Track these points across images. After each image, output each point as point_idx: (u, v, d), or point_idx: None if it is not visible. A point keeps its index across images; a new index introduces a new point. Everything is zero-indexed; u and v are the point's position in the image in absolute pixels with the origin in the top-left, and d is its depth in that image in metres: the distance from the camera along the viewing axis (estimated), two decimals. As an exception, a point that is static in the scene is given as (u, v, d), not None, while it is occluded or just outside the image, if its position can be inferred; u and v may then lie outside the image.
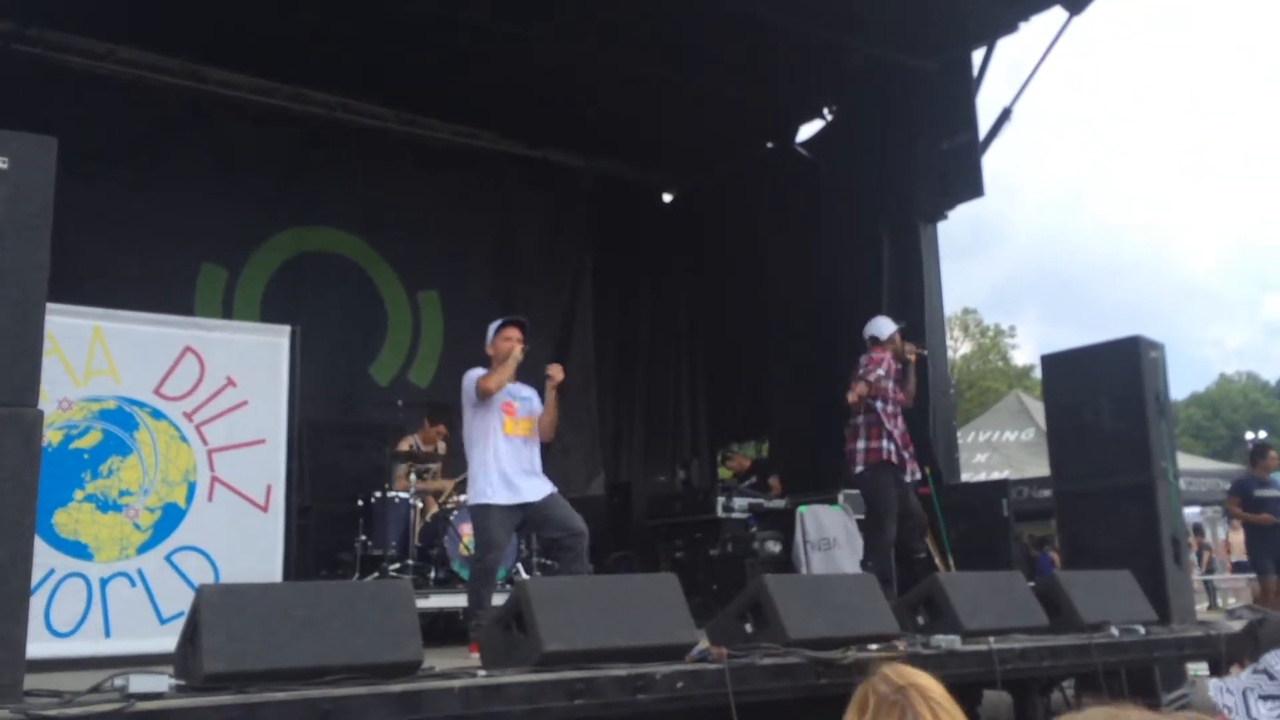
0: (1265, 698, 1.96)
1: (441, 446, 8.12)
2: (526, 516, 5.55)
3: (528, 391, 5.84)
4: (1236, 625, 5.58)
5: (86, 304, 5.31)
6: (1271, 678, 1.99)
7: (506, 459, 5.50)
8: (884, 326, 7.01)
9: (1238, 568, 15.40)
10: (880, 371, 6.68)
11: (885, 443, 6.66)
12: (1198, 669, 6.69)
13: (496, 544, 5.47)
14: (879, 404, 6.71)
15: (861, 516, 8.07)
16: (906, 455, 6.74)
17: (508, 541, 5.76)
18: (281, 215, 9.58)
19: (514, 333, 5.75)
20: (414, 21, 8.50)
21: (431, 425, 8.07)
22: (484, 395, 5.52)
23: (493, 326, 5.84)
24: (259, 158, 9.39)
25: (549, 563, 7.79)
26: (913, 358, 7.00)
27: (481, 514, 5.48)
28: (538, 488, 5.52)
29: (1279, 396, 60.63)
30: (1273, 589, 9.68)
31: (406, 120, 10.11)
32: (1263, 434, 32.12)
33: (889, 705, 1.65)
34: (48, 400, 4.97)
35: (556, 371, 5.78)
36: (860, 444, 6.76)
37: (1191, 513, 18.03)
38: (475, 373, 5.68)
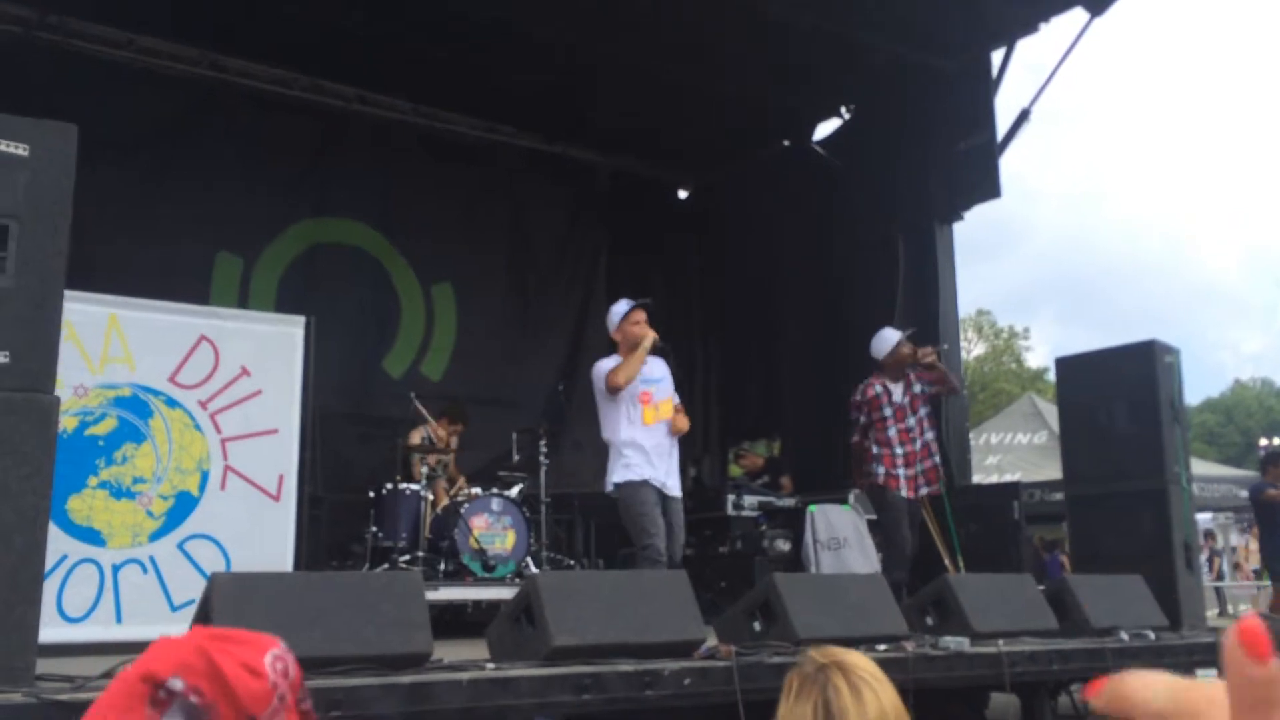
0: None
1: (454, 441, 8.14)
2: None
3: (660, 371, 5.56)
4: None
5: (103, 291, 5.32)
6: None
7: (647, 449, 5.27)
8: (879, 345, 7.14)
9: (1257, 574, 15.35)
10: (861, 419, 7.02)
11: (882, 469, 6.89)
12: (1207, 674, 6.67)
13: (654, 525, 5.14)
14: (887, 431, 6.84)
15: (872, 517, 8.11)
16: (908, 474, 6.91)
17: (663, 522, 5.36)
18: (298, 206, 9.61)
19: (642, 316, 5.47)
20: (433, 15, 8.51)
21: (451, 423, 8.10)
22: (616, 390, 5.29)
23: (619, 310, 5.55)
24: (276, 148, 9.42)
25: (559, 556, 7.82)
26: (931, 359, 7.06)
27: (630, 493, 5.22)
28: (674, 485, 5.32)
29: (1294, 403, 60.25)
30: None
31: (424, 114, 10.12)
32: (1276, 440, 31.97)
33: (809, 684, 1.68)
34: (64, 387, 4.98)
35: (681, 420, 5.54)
36: (867, 466, 7.04)
37: (1204, 518, 17.96)
38: (605, 364, 5.43)
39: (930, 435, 7.04)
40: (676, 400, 5.65)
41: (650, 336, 5.34)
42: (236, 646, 1.07)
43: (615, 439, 5.38)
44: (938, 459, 7.10)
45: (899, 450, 6.91)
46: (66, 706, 2.61)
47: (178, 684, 1.02)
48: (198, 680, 1.03)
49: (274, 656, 1.08)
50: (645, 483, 5.21)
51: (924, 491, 7.02)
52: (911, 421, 6.96)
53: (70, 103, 7.55)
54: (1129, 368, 6.62)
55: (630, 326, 5.45)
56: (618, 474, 5.32)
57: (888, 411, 6.93)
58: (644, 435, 5.29)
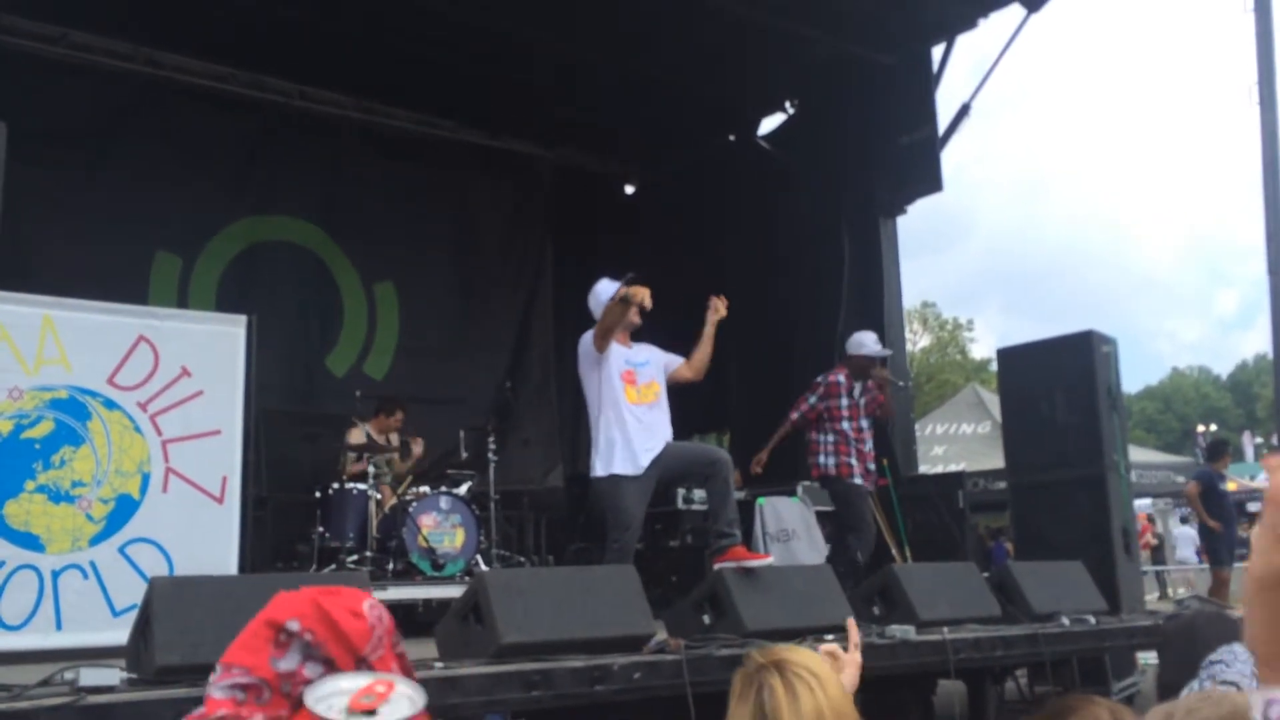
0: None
1: (394, 438, 8.08)
2: (661, 475, 5.25)
3: (645, 354, 5.49)
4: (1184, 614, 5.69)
5: (37, 291, 5.21)
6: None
7: (633, 430, 5.18)
8: (856, 343, 7.28)
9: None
10: (812, 399, 7.08)
11: (832, 459, 6.97)
12: (1147, 658, 6.82)
13: (631, 520, 5.09)
14: (840, 423, 6.96)
15: (820, 509, 8.18)
16: (864, 467, 7.03)
17: (641, 516, 5.31)
18: (238, 203, 9.47)
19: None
20: (373, 9, 8.44)
21: (387, 417, 8.04)
22: (604, 338, 5.19)
23: (606, 291, 5.43)
24: (215, 145, 9.28)
25: (508, 554, 7.80)
26: (884, 380, 7.18)
27: (610, 486, 5.15)
28: (660, 446, 5.21)
29: (1230, 390, 61.72)
30: (1226, 580, 9.87)
31: (365, 109, 10.02)
32: (1214, 427, 32.74)
33: (749, 685, 1.69)
34: (-2, 390, 4.90)
35: (720, 304, 5.51)
36: (813, 458, 7.10)
37: (1143, 504, 18.35)
38: (589, 333, 5.35)
39: (871, 445, 7.16)
40: (675, 360, 5.54)
41: (642, 293, 5.22)
42: (340, 596, 1.30)
43: (598, 418, 5.28)
44: (874, 469, 7.27)
45: (853, 445, 6.99)
46: (4, 716, 2.56)
47: (295, 626, 1.26)
48: (312, 624, 1.26)
49: (370, 605, 1.30)
50: (628, 479, 5.12)
51: (870, 487, 7.14)
52: (864, 424, 7.08)
53: (2, 99, 7.40)
54: (1068, 358, 6.74)
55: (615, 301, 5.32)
56: (599, 464, 5.23)
57: (844, 403, 7.04)
58: (626, 412, 5.20)
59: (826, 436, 7.01)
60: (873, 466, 7.18)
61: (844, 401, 7.03)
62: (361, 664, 1.27)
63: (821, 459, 7.00)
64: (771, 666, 1.68)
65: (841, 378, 7.10)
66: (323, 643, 1.25)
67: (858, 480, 6.92)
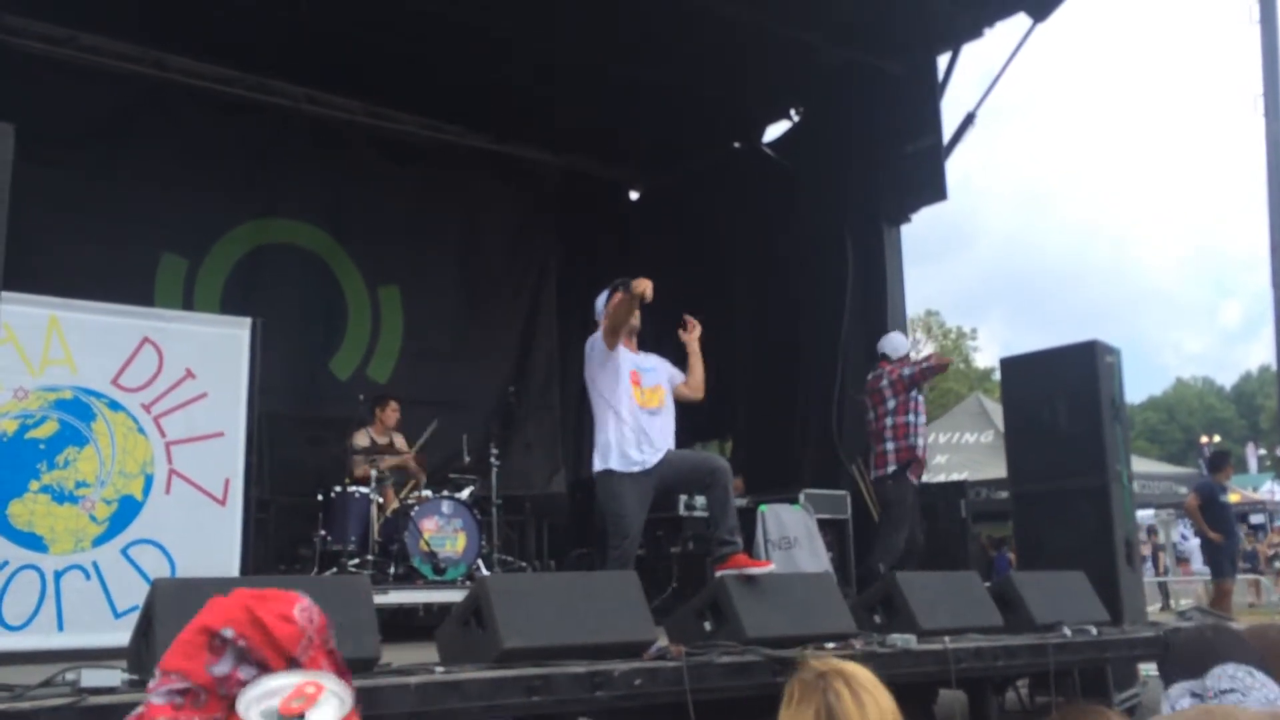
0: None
1: (398, 439, 8.09)
2: (659, 483, 5.21)
3: (652, 361, 5.48)
4: (1186, 626, 5.68)
5: (43, 292, 5.21)
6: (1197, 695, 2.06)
7: (636, 429, 5.15)
8: (899, 345, 7.71)
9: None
10: (891, 400, 7.36)
11: (915, 439, 7.34)
12: (1149, 669, 6.80)
13: (631, 526, 5.05)
14: (911, 403, 7.33)
15: (822, 516, 8.18)
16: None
17: (642, 522, 5.27)
18: (244, 206, 9.49)
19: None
20: (382, 14, 8.46)
21: (381, 411, 8.05)
22: (613, 336, 5.17)
23: (604, 296, 5.45)
24: (222, 148, 9.29)
25: (510, 559, 7.80)
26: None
27: (607, 480, 5.13)
28: (661, 451, 5.19)
29: (1234, 401, 61.62)
30: (1228, 592, 9.85)
31: (373, 113, 10.04)
32: (1217, 438, 32.66)
33: (810, 690, 1.73)
34: (3, 389, 4.91)
35: (693, 324, 5.49)
36: (889, 445, 7.34)
37: (1146, 515, 18.31)
38: (597, 333, 5.34)
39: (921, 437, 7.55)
40: (680, 375, 5.52)
41: (644, 285, 5.17)
42: (272, 601, 1.38)
43: (603, 416, 5.26)
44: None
45: (919, 441, 7.38)
46: (5, 716, 2.57)
47: (229, 633, 1.33)
48: (244, 629, 1.34)
49: (301, 608, 1.39)
50: (629, 476, 5.10)
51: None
52: (915, 416, 7.45)
53: (10, 100, 7.40)
54: (1071, 368, 6.73)
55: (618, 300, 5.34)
56: (598, 458, 5.22)
57: (913, 394, 7.40)
58: (630, 413, 5.18)
59: (907, 422, 7.35)
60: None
61: (912, 394, 7.41)
62: (293, 665, 1.34)
63: (889, 446, 7.35)
64: (835, 674, 1.74)
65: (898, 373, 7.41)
66: (256, 647, 1.33)
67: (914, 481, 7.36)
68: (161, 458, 5.29)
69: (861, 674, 1.76)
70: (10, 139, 3.04)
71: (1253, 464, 32.36)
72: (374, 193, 10.02)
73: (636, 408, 5.24)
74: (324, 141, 9.78)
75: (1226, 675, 2.14)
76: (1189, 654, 2.28)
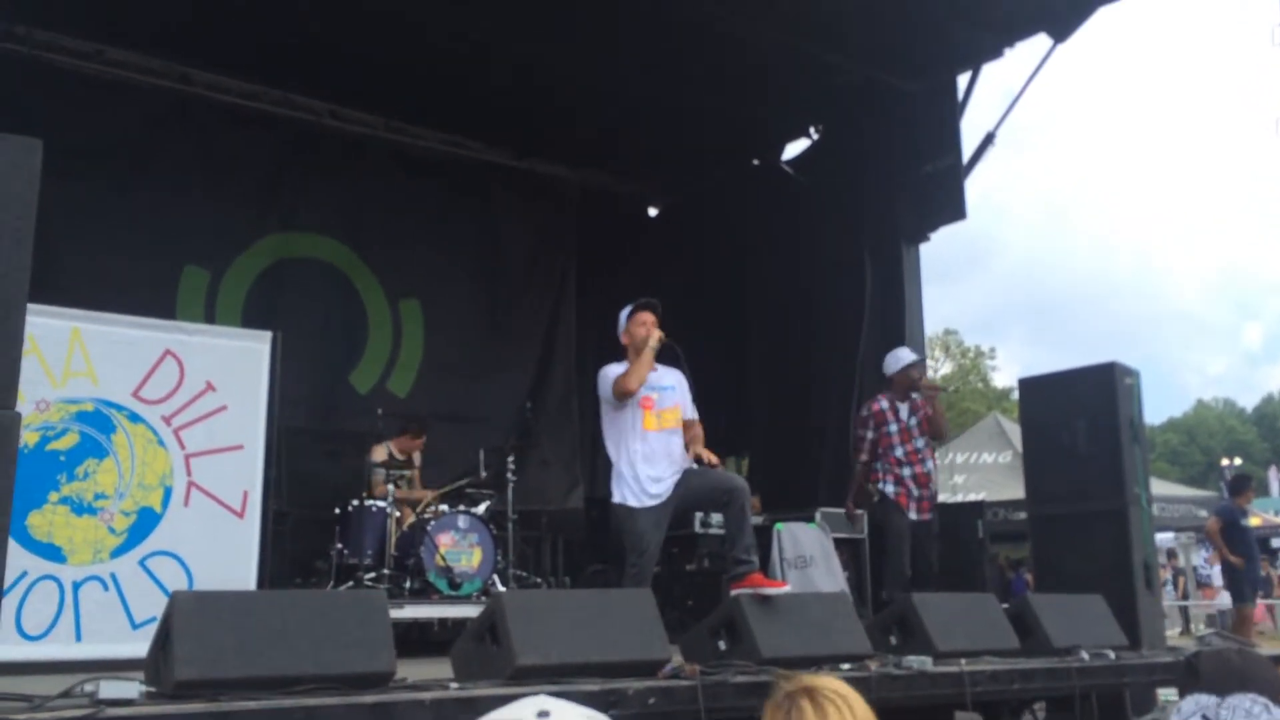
0: None
1: (417, 457, 8.12)
2: (678, 504, 5.22)
3: (671, 379, 5.37)
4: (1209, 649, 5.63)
5: (67, 304, 5.27)
6: None
7: (645, 459, 5.11)
8: (891, 362, 7.41)
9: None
10: (869, 434, 7.21)
11: (891, 486, 7.10)
12: (1168, 694, 6.73)
13: (647, 544, 5.06)
14: (893, 450, 7.12)
15: (838, 535, 8.16)
16: (920, 494, 7.11)
17: (660, 540, 5.24)
18: (266, 220, 9.57)
19: (648, 317, 5.24)
20: (403, 30, 8.52)
21: (413, 438, 8.08)
22: (625, 395, 5.09)
23: (624, 313, 5.34)
24: (245, 161, 9.38)
25: (526, 574, 7.80)
26: (932, 390, 7.33)
27: (624, 515, 5.13)
28: (674, 480, 5.16)
29: (1255, 424, 61.14)
30: (1249, 617, 9.77)
31: (394, 128, 10.11)
32: (1238, 461, 32.40)
33: (777, 712, 1.73)
34: (25, 401, 4.93)
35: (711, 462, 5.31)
36: (877, 467, 7.25)
37: (1166, 538, 18.15)
38: (612, 370, 5.21)
39: (931, 465, 7.21)
40: (692, 413, 5.47)
41: (656, 336, 5.12)
42: None
43: (614, 447, 5.24)
44: (934, 491, 7.27)
45: (906, 471, 7.10)
46: (23, 727, 2.59)
47: None
48: None
49: None
50: (642, 510, 5.10)
51: (925, 517, 7.17)
52: (920, 444, 7.17)
53: (37, 114, 7.51)
54: (1090, 389, 6.70)
55: (636, 327, 5.24)
56: (615, 493, 5.21)
57: (893, 428, 7.14)
58: (643, 443, 5.13)
59: (885, 465, 7.14)
60: (934, 489, 7.23)
61: (893, 428, 7.15)
62: None
63: (882, 485, 7.14)
64: (801, 692, 1.72)
65: (885, 403, 7.19)
66: None
67: (911, 515, 7.05)
68: (180, 470, 5.33)
69: (830, 685, 1.74)
70: (38, 154, 3.07)
71: (1275, 488, 32.04)
72: (395, 207, 10.08)
73: (649, 435, 5.21)
74: (346, 155, 9.85)
75: (1242, 709, 2.12)
76: (1213, 674, 2.26)
